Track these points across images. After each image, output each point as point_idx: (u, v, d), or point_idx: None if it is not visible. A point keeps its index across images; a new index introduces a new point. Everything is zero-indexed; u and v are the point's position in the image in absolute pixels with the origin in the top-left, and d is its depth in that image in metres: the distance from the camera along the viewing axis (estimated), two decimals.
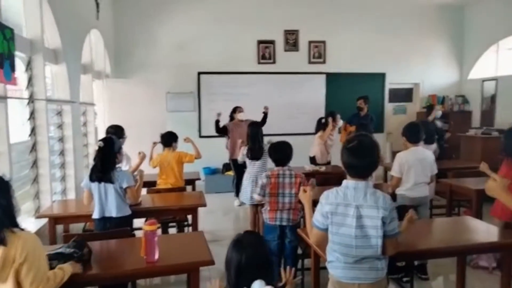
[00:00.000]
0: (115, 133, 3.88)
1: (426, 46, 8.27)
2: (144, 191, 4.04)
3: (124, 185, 3.01)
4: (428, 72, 8.33)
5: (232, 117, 6.23)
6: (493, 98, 7.62)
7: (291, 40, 7.70)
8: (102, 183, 2.95)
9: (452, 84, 8.46)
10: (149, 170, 4.56)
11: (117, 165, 3.04)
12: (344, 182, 1.95)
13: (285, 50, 7.69)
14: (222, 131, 6.16)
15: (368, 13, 7.86)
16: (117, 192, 2.98)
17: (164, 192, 4.08)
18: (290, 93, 7.74)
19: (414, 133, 3.62)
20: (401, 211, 3.22)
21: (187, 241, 2.66)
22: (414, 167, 3.50)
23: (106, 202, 2.98)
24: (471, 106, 8.16)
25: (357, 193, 1.88)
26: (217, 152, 7.11)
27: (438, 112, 6.11)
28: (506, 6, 7.19)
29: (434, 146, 5.49)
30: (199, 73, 7.48)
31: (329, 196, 1.95)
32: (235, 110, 6.16)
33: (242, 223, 5.33)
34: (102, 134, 5.06)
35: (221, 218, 5.62)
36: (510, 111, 7.08)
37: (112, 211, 2.97)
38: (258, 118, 5.98)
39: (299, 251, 3.26)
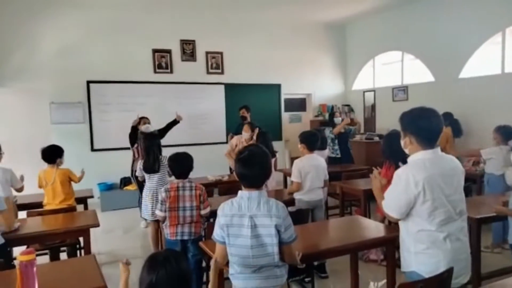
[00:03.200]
0: None
1: (316, 59, 8.94)
2: (24, 214, 3.55)
3: None
4: (318, 83, 9.01)
5: (135, 128, 5.77)
6: (373, 107, 8.56)
7: (188, 50, 7.61)
8: None
9: (339, 94, 9.28)
10: (34, 190, 4.05)
11: None
12: (239, 192, 1.96)
13: (182, 60, 7.58)
14: (133, 139, 5.45)
15: (263, 28, 8.20)
16: None
17: (50, 213, 3.62)
18: (189, 103, 7.62)
19: (313, 141, 3.85)
20: (299, 214, 3.39)
21: (77, 266, 2.41)
22: (310, 172, 3.71)
23: None
24: (356, 114, 9.04)
25: (251, 203, 1.89)
26: (113, 166, 6.66)
27: (338, 118, 6.55)
28: (380, 26, 8.18)
29: (327, 152, 5.89)
30: (89, 82, 6.92)
31: (224, 208, 1.93)
32: (140, 121, 5.68)
33: (145, 240, 5.01)
34: None
35: (121, 237, 5.21)
36: (386, 118, 8.02)
37: None
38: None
39: (203, 264, 3.16)
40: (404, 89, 7.69)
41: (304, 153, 3.83)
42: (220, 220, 1.93)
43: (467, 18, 6.33)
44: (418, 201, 1.90)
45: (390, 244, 2.79)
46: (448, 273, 1.95)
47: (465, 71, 6.51)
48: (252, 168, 1.91)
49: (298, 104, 9.14)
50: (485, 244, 4.14)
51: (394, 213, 2.01)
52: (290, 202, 4.05)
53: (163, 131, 5.61)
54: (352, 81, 9.18)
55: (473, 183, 5.16)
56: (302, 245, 2.60)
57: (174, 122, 5.82)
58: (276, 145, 7.52)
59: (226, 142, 6.43)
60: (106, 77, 7.01)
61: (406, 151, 2.07)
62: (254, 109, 6.93)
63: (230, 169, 5.68)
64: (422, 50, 7.27)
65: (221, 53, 7.88)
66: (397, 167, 3.89)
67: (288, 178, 6.52)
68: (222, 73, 7.92)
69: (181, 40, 7.55)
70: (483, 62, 6.29)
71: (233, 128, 6.55)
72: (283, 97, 8.65)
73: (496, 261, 3.73)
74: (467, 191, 4.10)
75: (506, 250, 3.79)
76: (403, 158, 4.09)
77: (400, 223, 2.10)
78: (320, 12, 7.91)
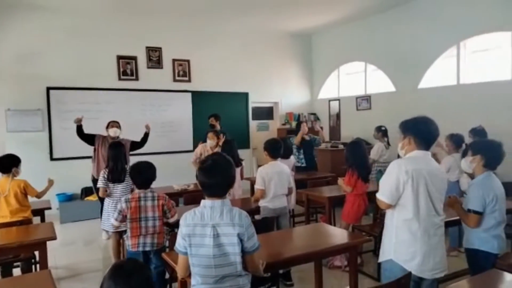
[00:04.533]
0: None
1: (283, 69, 9.06)
2: None
3: None
4: (286, 92, 9.13)
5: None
6: (338, 116, 8.75)
7: (154, 57, 7.51)
8: None
9: (305, 103, 9.43)
10: None
11: None
12: (202, 202, 1.94)
13: (148, 67, 7.46)
14: (87, 139, 5.27)
15: (230, 37, 8.23)
16: None
17: (3, 227, 3.42)
18: (155, 111, 7.51)
19: (277, 149, 3.88)
20: (264, 222, 3.39)
21: (31, 283, 2.30)
22: (273, 179, 3.73)
23: None
24: (322, 122, 9.21)
25: (214, 212, 1.88)
26: (74, 175, 6.44)
27: (305, 128, 6.61)
28: (345, 37, 8.42)
29: (293, 160, 5.94)
30: (49, 88, 6.65)
31: (186, 218, 1.91)
32: (108, 124, 5.40)
33: (106, 252, 4.84)
34: None
35: (81, 250, 5.01)
36: (351, 126, 8.23)
37: None
38: (128, 136, 5.52)
39: (166, 276, 3.09)
40: (367, 98, 7.93)
41: (268, 160, 3.86)
42: (182, 230, 1.90)
43: (425, 31, 6.63)
44: (406, 189, 2.14)
45: (353, 250, 2.85)
46: (406, 279, 2.01)
47: (423, 82, 6.80)
48: (215, 177, 1.90)
49: (266, 113, 9.21)
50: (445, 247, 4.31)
51: (385, 198, 2.21)
52: (256, 211, 4.05)
53: (138, 146, 5.55)
54: (318, 90, 9.37)
55: None
56: (268, 253, 2.60)
57: (146, 135, 5.68)
58: (244, 153, 7.57)
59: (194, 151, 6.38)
60: (67, 83, 6.77)
61: (402, 152, 2.31)
62: (222, 117, 6.93)
63: (197, 177, 5.58)
64: (384, 61, 7.54)
65: (188, 61, 7.83)
66: (360, 174, 4.03)
67: (254, 186, 6.54)
68: (189, 81, 7.86)
69: (147, 47, 7.44)
70: (440, 73, 6.61)
71: (202, 136, 6.47)
72: (250, 105, 8.69)
73: (453, 264, 3.86)
74: None
75: (462, 253, 3.95)
76: (366, 166, 4.24)
77: (387, 212, 2.30)
78: (286, 22, 8.05)
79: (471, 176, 3.19)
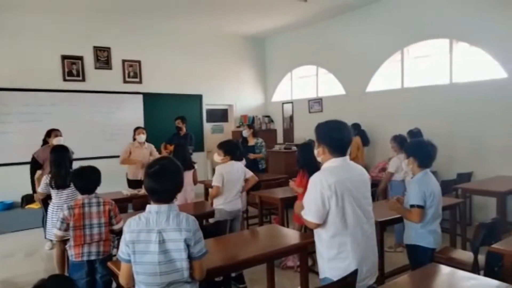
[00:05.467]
0: None
1: (237, 71, 9.07)
2: None
3: None
4: (240, 94, 9.14)
5: (45, 142, 5.26)
6: (291, 118, 8.90)
7: (103, 58, 7.22)
8: None
9: (260, 105, 9.51)
10: None
11: None
12: (147, 207, 1.87)
13: (96, 68, 7.16)
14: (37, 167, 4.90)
15: (183, 38, 8.12)
16: None
17: None
18: (104, 113, 7.22)
19: (234, 150, 3.92)
20: (217, 225, 3.36)
21: None
22: (232, 180, 3.76)
23: None
24: (276, 125, 9.32)
25: (160, 217, 1.82)
26: (14, 182, 6.02)
27: (244, 131, 6.66)
28: (297, 41, 8.58)
29: (243, 162, 5.94)
30: None
31: (131, 224, 1.83)
32: (50, 133, 5.12)
33: (50, 264, 4.55)
34: None
35: (21, 262, 4.67)
36: (303, 128, 8.39)
37: None
38: (74, 141, 5.23)
39: (114, 285, 2.95)
40: (319, 101, 8.13)
41: (221, 160, 3.87)
42: (125, 237, 1.82)
43: (372, 37, 6.92)
44: (332, 204, 2.03)
45: (303, 251, 2.88)
46: (352, 276, 2.06)
47: (371, 85, 7.10)
48: (163, 183, 1.84)
49: (220, 115, 9.16)
50: (389, 244, 4.51)
51: (313, 218, 2.09)
52: (210, 214, 4.01)
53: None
54: (272, 93, 9.48)
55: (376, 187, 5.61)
56: (220, 257, 2.58)
57: None
58: (198, 156, 7.47)
59: (160, 153, 6.25)
60: (6, 84, 6.33)
61: (319, 159, 2.22)
62: (174, 119, 6.81)
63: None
64: (334, 65, 7.78)
65: (139, 62, 7.61)
66: (311, 175, 4.10)
67: (210, 189, 6.47)
68: (140, 82, 7.64)
69: (95, 47, 7.14)
70: (386, 77, 6.93)
71: (155, 139, 6.34)
72: (204, 107, 8.61)
73: (399, 259, 4.06)
74: (373, 196, 4.43)
75: None
76: (317, 167, 4.33)
77: (314, 232, 2.21)
78: (240, 25, 8.07)
79: None
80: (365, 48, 7.06)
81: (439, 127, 5.68)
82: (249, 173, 4.08)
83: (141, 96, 7.65)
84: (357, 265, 2.08)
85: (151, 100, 7.72)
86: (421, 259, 2.60)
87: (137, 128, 5.62)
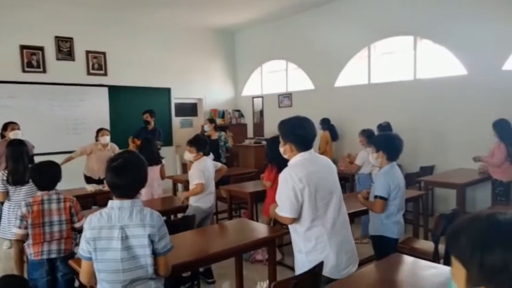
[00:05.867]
0: None
1: (206, 65, 8.95)
2: None
3: None
4: (210, 88, 9.04)
5: (2, 136, 4.97)
6: (261, 112, 8.91)
7: (65, 48, 6.91)
8: None
9: (230, 99, 9.44)
10: None
11: None
12: (110, 202, 1.81)
13: (58, 59, 6.84)
14: None
15: (150, 30, 7.90)
16: None
17: None
18: (67, 106, 6.93)
19: (205, 145, 3.91)
20: (185, 220, 3.31)
21: None
22: (207, 176, 3.75)
23: None
24: (246, 119, 9.30)
25: (123, 213, 1.77)
26: None
27: (206, 126, 6.56)
28: (267, 35, 8.57)
29: (211, 156, 5.90)
30: None
31: (91, 220, 1.77)
32: (6, 127, 4.85)
33: (7, 264, 4.34)
34: None
35: None
36: (273, 123, 8.35)
37: None
38: (35, 136, 4.97)
39: (76, 283, 2.85)
40: (288, 96, 8.18)
41: (198, 158, 3.82)
42: (86, 234, 1.76)
43: (341, 33, 7.01)
44: (305, 196, 2.06)
45: (271, 244, 2.89)
46: (319, 267, 2.09)
47: (339, 81, 7.20)
48: (126, 178, 1.78)
49: (190, 109, 9.03)
50: (356, 236, 4.60)
51: (288, 213, 2.10)
52: (179, 209, 3.96)
53: None
54: (242, 87, 9.44)
55: (347, 182, 5.73)
56: (187, 252, 2.56)
57: None
58: (166, 150, 7.34)
59: (127, 147, 6.09)
60: None
61: (286, 157, 2.24)
62: (141, 113, 6.64)
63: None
64: (303, 60, 7.83)
65: (104, 53, 7.35)
66: (279, 169, 4.12)
67: (179, 185, 6.39)
68: (105, 74, 7.38)
69: (56, 37, 6.82)
70: (354, 73, 7.05)
71: (120, 134, 6.18)
72: (173, 101, 8.45)
73: (365, 250, 4.15)
74: (342, 189, 4.53)
75: None
76: (285, 161, 4.36)
77: (290, 227, 2.23)
78: (209, 18, 7.96)
79: None
80: (334, 44, 7.15)
81: (404, 122, 5.85)
82: (219, 164, 4.06)
83: (106, 89, 7.40)
84: (335, 256, 2.13)
85: (117, 93, 7.48)
86: (386, 249, 2.68)
87: (100, 130, 5.41)
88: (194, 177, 3.73)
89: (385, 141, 2.92)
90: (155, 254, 1.80)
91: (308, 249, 2.14)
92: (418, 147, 5.87)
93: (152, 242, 1.77)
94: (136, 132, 6.31)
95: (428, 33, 5.87)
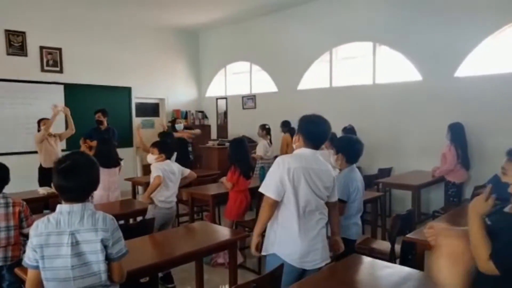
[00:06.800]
0: None
1: (169, 64, 8.78)
2: None
3: None
4: (172, 88, 8.87)
5: None
6: (225, 114, 8.86)
7: (16, 43, 6.51)
8: None
9: (193, 100, 9.32)
10: None
11: None
12: (58, 207, 1.71)
13: (8, 54, 6.42)
14: None
15: (111, 27, 7.64)
16: None
17: None
18: (18, 104, 6.53)
19: (170, 149, 3.88)
20: (143, 225, 3.21)
21: None
22: (169, 178, 3.66)
23: None
24: (210, 120, 9.21)
25: (72, 218, 1.67)
26: None
27: (180, 125, 6.54)
28: (231, 37, 8.54)
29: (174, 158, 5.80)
30: None
31: (38, 227, 1.66)
32: None
33: None
34: None
35: None
36: (237, 124, 8.39)
37: None
38: None
39: None
40: (252, 97, 8.19)
41: (159, 160, 3.73)
42: (32, 241, 1.65)
43: (304, 37, 7.11)
44: (289, 185, 2.17)
45: (232, 247, 2.86)
46: (279, 270, 2.09)
47: (302, 84, 7.30)
48: (75, 180, 1.68)
49: (151, 109, 8.81)
50: None
51: (272, 194, 2.18)
52: (139, 212, 3.84)
53: None
54: (206, 88, 9.34)
55: None
56: (145, 256, 2.48)
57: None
58: (126, 152, 7.13)
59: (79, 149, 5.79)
60: None
61: (294, 146, 2.36)
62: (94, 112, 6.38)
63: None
64: (267, 62, 7.87)
65: (60, 49, 7.00)
66: (242, 171, 4.11)
67: (139, 187, 6.21)
68: (61, 71, 7.04)
69: (6, 31, 6.41)
70: (317, 76, 7.17)
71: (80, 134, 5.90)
72: (134, 101, 8.21)
73: None
74: None
75: None
76: (249, 163, 4.34)
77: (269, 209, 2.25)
78: (172, 17, 7.81)
79: None
80: (297, 47, 7.24)
81: (364, 124, 6.02)
82: (187, 171, 3.96)
83: (62, 87, 7.06)
84: (304, 249, 2.21)
85: (74, 92, 7.16)
86: (344, 250, 2.72)
87: (41, 120, 5.29)
88: (153, 173, 3.64)
89: (345, 144, 2.98)
90: (109, 259, 1.72)
91: (281, 234, 2.24)
92: (377, 149, 6.06)
93: (105, 247, 1.69)
94: (87, 133, 5.96)
95: (386, 39, 6.09)
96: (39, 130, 5.25)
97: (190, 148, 6.70)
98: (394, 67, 6.09)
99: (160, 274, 3.34)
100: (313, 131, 2.30)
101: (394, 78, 6.06)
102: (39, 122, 5.35)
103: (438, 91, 5.47)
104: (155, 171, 3.63)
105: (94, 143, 5.58)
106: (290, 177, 2.16)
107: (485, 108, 5.05)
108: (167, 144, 3.88)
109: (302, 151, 2.28)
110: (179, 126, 6.48)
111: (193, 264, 3.17)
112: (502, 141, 4.29)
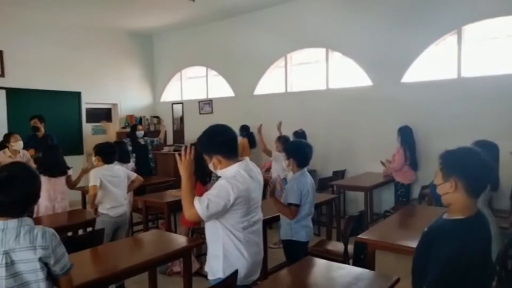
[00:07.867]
0: None
1: (121, 68, 8.52)
2: None
3: None
4: (125, 93, 8.60)
5: None
6: (181, 119, 8.71)
7: None
8: None
9: (147, 105, 9.09)
10: None
11: None
12: None
13: None
14: None
15: (57, 29, 7.28)
16: None
17: None
18: None
19: (110, 153, 3.70)
20: (93, 236, 3.06)
21: None
22: (111, 183, 3.53)
23: None
24: (165, 126, 9.00)
25: (7, 236, 1.55)
26: None
27: (140, 132, 6.36)
28: (186, 41, 8.43)
29: (131, 164, 5.60)
30: None
31: None
32: None
33: None
34: None
35: None
36: (194, 130, 8.26)
37: None
38: None
39: None
40: (209, 102, 8.12)
41: (100, 165, 3.62)
42: None
43: (259, 42, 7.17)
44: (233, 207, 1.96)
45: (186, 255, 2.80)
46: (232, 277, 2.06)
47: (258, 89, 7.35)
48: (10, 194, 1.56)
49: (103, 115, 8.47)
50: (274, 241, 4.69)
51: (203, 213, 1.93)
52: (89, 223, 3.67)
53: None
54: (161, 92, 9.15)
55: (264, 187, 5.82)
56: (96, 268, 2.40)
57: None
58: (76, 160, 6.79)
59: None
60: None
61: (218, 170, 2.08)
62: (48, 119, 6.05)
63: None
64: (223, 67, 7.85)
65: (1, 52, 6.57)
66: (198, 177, 4.03)
67: (86, 196, 5.91)
68: (2, 75, 6.60)
69: None
70: (272, 81, 7.25)
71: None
72: (84, 106, 7.87)
73: (282, 255, 4.24)
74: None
75: None
76: (204, 169, 4.28)
77: (209, 226, 2.08)
78: (123, 19, 7.58)
79: None
80: (252, 52, 7.29)
81: (318, 129, 6.16)
82: (133, 175, 3.86)
83: (4, 92, 6.62)
84: (250, 264, 2.07)
85: (18, 97, 6.73)
86: (296, 253, 2.76)
87: (10, 134, 4.85)
88: (90, 182, 3.52)
89: (295, 149, 3.02)
90: (53, 276, 1.61)
91: (226, 253, 2.04)
92: (331, 152, 6.21)
93: (45, 264, 1.58)
94: (24, 142, 5.52)
95: (338, 46, 6.28)
96: (5, 147, 4.79)
97: (150, 155, 6.49)
98: (347, 73, 6.29)
99: (112, 286, 3.20)
100: (225, 141, 2.09)
101: (347, 83, 6.26)
102: (7, 137, 4.88)
103: (387, 96, 5.72)
104: (91, 180, 3.51)
105: (32, 152, 5.24)
106: (236, 199, 1.97)
107: (430, 112, 5.34)
108: (105, 148, 3.73)
109: (236, 168, 2.04)
110: (140, 133, 6.30)
111: (146, 274, 3.06)
112: (446, 143, 4.54)
